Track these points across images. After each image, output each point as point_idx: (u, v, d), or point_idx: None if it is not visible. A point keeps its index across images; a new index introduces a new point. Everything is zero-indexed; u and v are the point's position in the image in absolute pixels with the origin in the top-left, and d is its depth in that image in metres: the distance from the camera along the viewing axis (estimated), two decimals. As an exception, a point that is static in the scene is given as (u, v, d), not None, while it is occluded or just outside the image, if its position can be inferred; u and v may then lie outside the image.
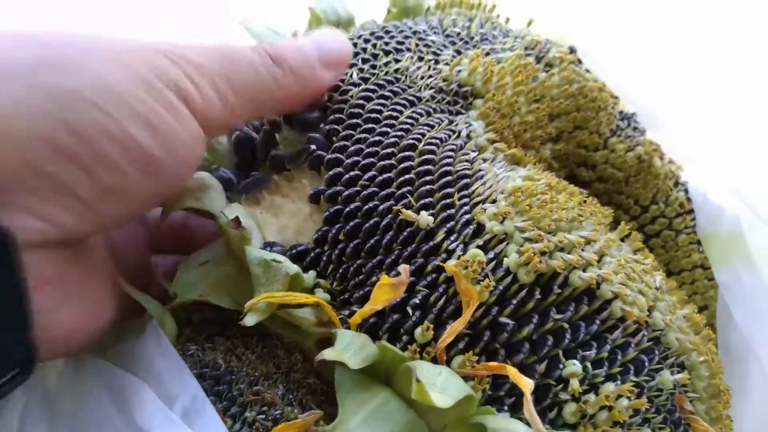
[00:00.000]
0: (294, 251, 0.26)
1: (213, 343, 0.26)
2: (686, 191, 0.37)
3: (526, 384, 0.21)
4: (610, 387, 0.23)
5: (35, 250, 0.20)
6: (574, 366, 0.23)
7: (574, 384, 0.23)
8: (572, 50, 0.39)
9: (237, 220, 0.25)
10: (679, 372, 0.25)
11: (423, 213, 0.25)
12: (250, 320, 0.23)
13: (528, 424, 0.22)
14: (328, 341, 0.25)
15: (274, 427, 0.22)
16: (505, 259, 0.24)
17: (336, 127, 0.29)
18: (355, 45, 0.33)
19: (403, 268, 0.23)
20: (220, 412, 0.23)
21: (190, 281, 0.27)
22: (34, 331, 0.20)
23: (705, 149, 0.41)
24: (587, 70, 0.39)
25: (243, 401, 0.24)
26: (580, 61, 0.39)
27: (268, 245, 0.27)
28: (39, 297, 0.20)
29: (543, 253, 0.24)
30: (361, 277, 0.25)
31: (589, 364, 0.24)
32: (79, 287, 0.23)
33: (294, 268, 0.25)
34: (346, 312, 0.25)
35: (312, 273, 0.26)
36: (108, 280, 0.25)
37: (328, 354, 0.22)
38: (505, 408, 0.23)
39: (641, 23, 0.45)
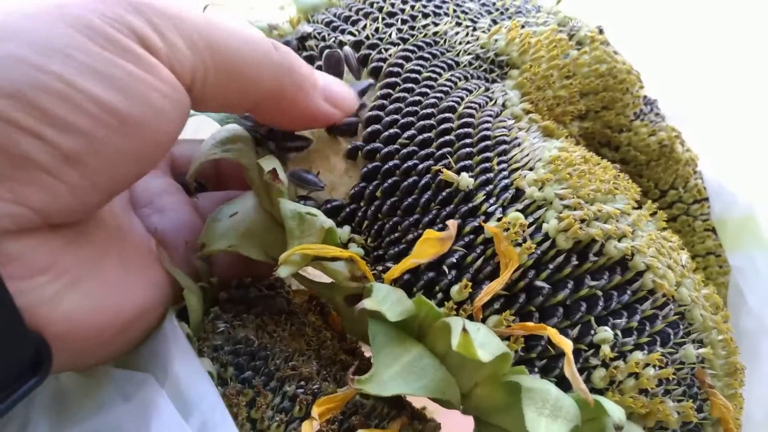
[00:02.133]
0: (329, 206, 0.26)
1: (242, 321, 0.26)
2: (702, 179, 0.38)
3: (567, 344, 0.21)
4: (638, 355, 0.24)
5: (16, 238, 0.18)
6: (605, 332, 0.24)
7: (606, 350, 0.23)
8: (601, 30, 0.39)
9: (274, 172, 0.25)
10: (701, 347, 0.26)
11: (464, 174, 0.25)
12: (283, 271, 0.23)
13: (560, 386, 0.23)
14: (357, 297, 0.25)
15: (314, 400, 0.22)
16: (545, 225, 0.24)
17: (374, 83, 0.28)
18: (392, 5, 0.33)
19: (452, 223, 0.23)
20: (259, 386, 0.23)
21: (219, 231, 0.27)
22: (28, 326, 0.18)
23: (714, 140, 0.42)
24: (615, 52, 0.39)
25: (281, 376, 0.24)
26: (608, 42, 0.39)
27: (302, 199, 0.27)
28: (31, 288, 0.19)
29: (582, 221, 0.25)
30: (396, 234, 0.25)
31: (619, 333, 0.24)
32: (94, 272, 0.21)
33: (329, 222, 0.24)
34: (380, 268, 0.25)
35: (347, 228, 0.25)
36: (141, 267, 0.24)
37: (367, 303, 0.22)
38: (536, 370, 0.24)
39: (650, 13, 0.45)
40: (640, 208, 0.30)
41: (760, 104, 0.42)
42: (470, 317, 0.23)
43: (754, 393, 0.32)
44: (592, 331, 0.24)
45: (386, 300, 0.22)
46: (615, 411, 0.22)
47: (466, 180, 0.25)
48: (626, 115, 0.37)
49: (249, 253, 0.27)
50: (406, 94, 0.28)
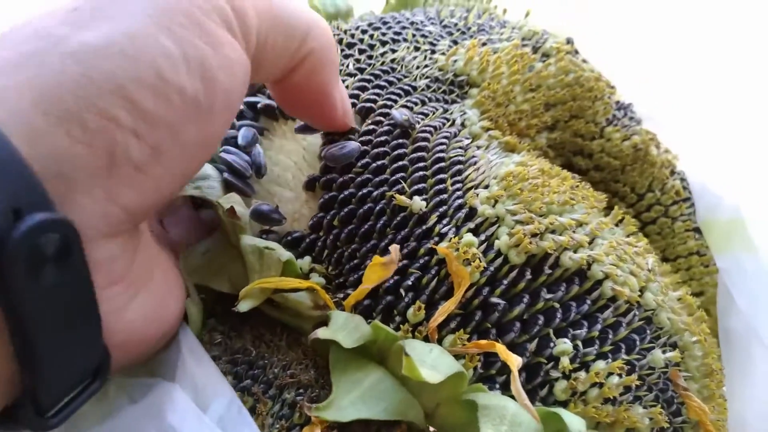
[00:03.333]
0: (289, 238, 0.27)
1: (238, 332, 0.27)
2: (682, 180, 0.37)
3: (514, 360, 0.21)
4: (600, 365, 0.24)
5: (102, 244, 0.18)
6: (564, 344, 0.24)
7: (565, 362, 0.23)
8: (569, 41, 0.40)
9: (232, 209, 0.26)
10: (670, 351, 0.26)
11: (416, 198, 0.26)
12: (244, 306, 0.24)
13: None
14: (325, 324, 0.26)
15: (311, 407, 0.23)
16: (496, 241, 0.25)
17: None
18: (352, 36, 0.34)
19: (394, 248, 0.24)
20: (258, 393, 0.24)
21: (193, 267, 0.28)
22: (103, 335, 0.19)
23: (700, 140, 0.42)
24: (584, 60, 0.39)
25: (280, 384, 0.24)
26: (576, 52, 0.39)
27: (264, 233, 0.27)
28: (108, 297, 0.19)
29: (534, 235, 0.25)
30: (355, 261, 0.26)
31: (579, 343, 0.24)
32: (148, 283, 0.21)
33: (286, 254, 0.25)
34: (341, 295, 0.25)
35: (308, 258, 0.26)
36: (168, 270, 0.24)
37: (321, 333, 0.22)
38: (497, 386, 0.24)
39: (638, 14, 0.45)
40: (609, 212, 0.30)
41: (746, 105, 0.42)
42: (426, 338, 0.24)
43: (747, 394, 0.31)
44: (552, 344, 0.24)
45: (343, 328, 0.23)
46: (574, 423, 0.22)
47: (418, 203, 0.26)
48: (597, 122, 0.37)
49: (219, 287, 0.28)
50: (362, 120, 0.29)
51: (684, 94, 0.44)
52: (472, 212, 0.26)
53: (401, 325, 0.24)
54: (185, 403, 0.22)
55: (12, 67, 0.17)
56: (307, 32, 0.24)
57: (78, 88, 0.17)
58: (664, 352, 0.26)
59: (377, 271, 0.23)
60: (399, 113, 0.28)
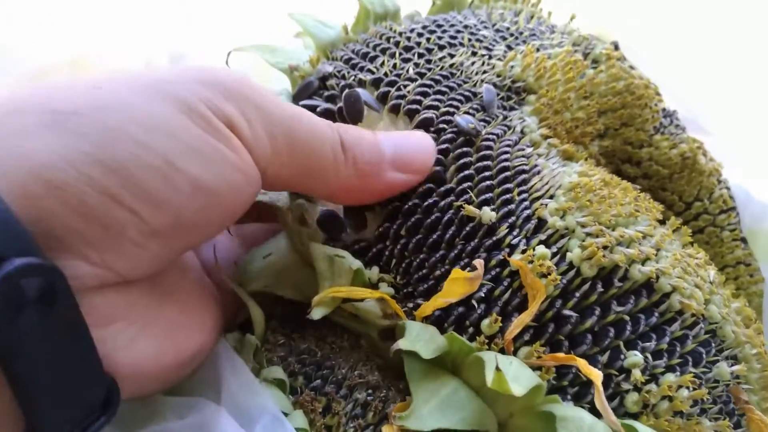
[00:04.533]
0: (356, 247, 0.27)
1: (301, 333, 0.27)
2: (728, 188, 0.38)
3: (597, 375, 0.22)
4: (670, 378, 0.24)
5: (99, 291, 0.19)
6: (635, 356, 0.24)
7: (636, 374, 0.24)
8: (616, 46, 0.40)
9: (302, 217, 0.26)
10: (735, 364, 0.26)
11: (485, 208, 0.26)
12: (317, 314, 0.24)
13: (593, 412, 0.23)
14: (390, 332, 0.26)
15: (384, 407, 0.23)
16: (568, 254, 0.25)
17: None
18: (408, 39, 0.34)
19: (479, 263, 0.24)
20: (332, 393, 0.24)
21: (254, 272, 0.28)
22: (105, 371, 0.20)
23: (744, 148, 0.42)
24: (631, 67, 0.39)
25: (350, 384, 0.25)
26: (624, 58, 0.39)
27: (329, 241, 0.28)
28: (109, 336, 0.20)
29: (605, 248, 0.25)
30: (424, 271, 0.26)
31: (649, 356, 0.25)
32: (159, 316, 0.22)
33: (356, 262, 0.25)
34: (411, 305, 0.26)
35: (375, 268, 0.26)
36: (198, 303, 0.25)
37: (402, 344, 0.22)
38: (569, 397, 0.24)
39: (682, 17, 0.45)
40: (664, 224, 0.31)
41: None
42: (502, 350, 0.24)
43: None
44: (622, 356, 0.24)
45: (419, 338, 0.23)
46: (649, 436, 0.22)
47: (488, 214, 0.26)
48: (646, 130, 0.37)
49: (283, 292, 0.28)
50: (423, 129, 0.29)
51: (721, 101, 0.44)
52: (542, 223, 0.26)
53: (475, 337, 0.24)
54: (230, 424, 0.23)
55: (24, 135, 0.18)
56: (325, 174, 0.24)
57: (83, 166, 0.18)
58: (729, 365, 0.26)
59: (461, 285, 0.23)
60: (464, 120, 0.28)
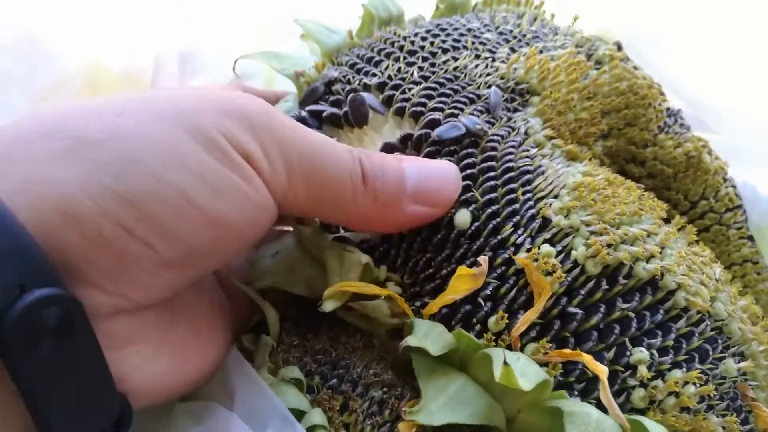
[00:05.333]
0: (364, 246, 0.27)
1: (315, 334, 0.28)
2: (734, 186, 0.38)
3: (602, 370, 0.22)
4: (677, 374, 0.24)
5: (113, 318, 0.20)
6: (641, 353, 0.24)
7: (643, 370, 0.24)
8: (619, 47, 0.40)
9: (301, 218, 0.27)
10: (741, 360, 0.26)
11: (463, 210, 0.26)
12: (329, 306, 0.25)
13: (600, 408, 0.23)
14: (397, 331, 0.27)
15: (399, 405, 0.24)
16: (573, 252, 0.25)
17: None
18: (412, 43, 0.34)
19: (483, 259, 0.24)
20: (348, 392, 0.24)
21: (263, 270, 0.29)
22: (119, 392, 0.20)
23: (750, 146, 0.42)
24: (635, 67, 0.39)
25: (365, 382, 0.25)
26: (627, 58, 0.39)
27: (338, 239, 0.28)
28: (124, 358, 0.20)
29: (609, 246, 0.25)
30: (430, 270, 0.26)
31: (655, 352, 0.25)
32: (172, 336, 0.23)
33: (365, 257, 0.26)
34: (418, 303, 0.26)
35: (383, 267, 0.27)
36: (210, 318, 0.25)
37: (410, 341, 0.23)
38: (575, 393, 0.24)
39: (685, 15, 0.46)
40: (668, 222, 0.31)
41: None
42: (509, 347, 0.24)
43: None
44: (628, 353, 0.24)
45: (427, 335, 0.24)
46: (657, 431, 0.22)
47: (464, 217, 0.26)
48: (650, 130, 0.37)
49: (292, 288, 0.28)
50: (429, 130, 0.29)
51: (726, 99, 0.44)
52: (546, 222, 0.26)
53: (482, 334, 0.24)
54: (242, 429, 0.23)
55: (49, 161, 0.19)
56: (343, 205, 0.24)
57: (101, 197, 0.19)
58: (735, 362, 0.26)
59: (467, 281, 0.24)
60: (470, 121, 0.29)
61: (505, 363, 0.21)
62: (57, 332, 0.18)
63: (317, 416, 0.24)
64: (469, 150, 0.28)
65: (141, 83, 0.39)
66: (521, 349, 0.24)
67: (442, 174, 0.26)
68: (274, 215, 0.23)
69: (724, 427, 0.25)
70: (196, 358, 0.24)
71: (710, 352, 0.26)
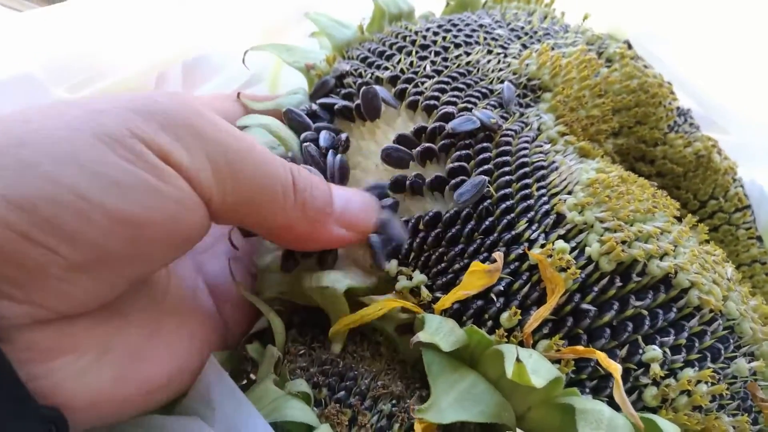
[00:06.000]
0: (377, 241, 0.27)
1: (321, 342, 0.27)
2: (743, 187, 0.38)
3: (616, 368, 0.22)
4: (689, 372, 0.24)
5: (33, 329, 0.19)
6: (654, 351, 0.24)
7: (655, 368, 0.24)
8: (629, 45, 0.40)
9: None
10: (752, 360, 0.26)
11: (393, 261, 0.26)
12: (336, 348, 0.25)
13: (611, 406, 0.23)
14: (407, 327, 0.26)
15: (409, 418, 0.23)
16: (587, 248, 0.25)
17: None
18: (424, 38, 0.34)
19: (498, 255, 0.24)
20: (357, 405, 0.24)
21: (271, 280, 0.28)
22: (45, 403, 0.19)
23: (758, 144, 0.42)
24: (645, 65, 0.39)
25: (374, 395, 0.24)
26: (637, 56, 0.39)
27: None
28: (54, 369, 0.19)
29: (623, 243, 0.25)
30: (443, 265, 0.26)
31: (667, 350, 0.25)
32: (122, 343, 0.22)
33: (343, 284, 0.25)
34: (430, 298, 0.26)
35: (394, 262, 0.26)
36: (179, 323, 0.24)
37: (422, 336, 0.23)
38: (587, 391, 0.24)
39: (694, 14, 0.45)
40: (680, 221, 0.31)
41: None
42: (521, 343, 0.24)
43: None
44: (641, 350, 0.24)
45: (439, 331, 0.23)
46: (670, 430, 0.22)
47: None
48: (660, 129, 0.37)
49: (300, 299, 0.28)
50: (443, 124, 0.29)
51: (737, 99, 0.44)
52: (560, 218, 0.26)
53: (494, 330, 0.24)
54: None
55: None
56: (272, 211, 0.23)
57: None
58: (747, 361, 0.26)
59: (481, 277, 0.23)
60: (484, 115, 0.28)
61: (518, 360, 0.21)
62: None
63: None
64: (485, 144, 0.28)
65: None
66: (533, 346, 0.24)
67: (365, 202, 0.27)
68: (204, 211, 0.22)
69: (734, 427, 0.25)
70: (150, 367, 0.23)
71: (722, 352, 0.26)
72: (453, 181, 0.27)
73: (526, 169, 0.28)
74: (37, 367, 0.19)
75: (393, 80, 0.31)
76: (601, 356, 0.22)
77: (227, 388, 0.24)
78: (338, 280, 0.26)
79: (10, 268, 0.18)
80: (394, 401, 0.25)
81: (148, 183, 0.20)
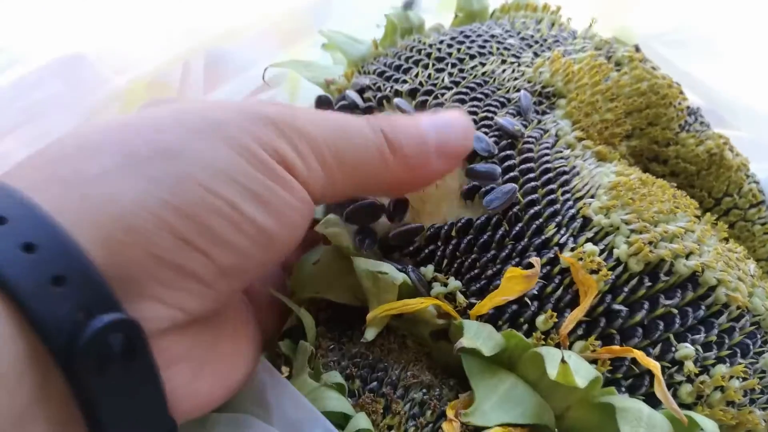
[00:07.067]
0: (410, 249, 0.28)
1: (349, 337, 0.28)
2: (757, 182, 0.38)
3: (655, 365, 0.22)
4: (722, 368, 0.25)
5: (166, 334, 0.20)
6: (686, 348, 0.25)
7: (690, 365, 0.24)
8: (637, 48, 0.41)
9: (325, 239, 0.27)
10: (781, 354, 0.27)
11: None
12: (370, 334, 0.25)
13: (648, 404, 0.24)
14: (442, 332, 0.27)
15: (440, 405, 0.24)
16: (615, 250, 0.26)
17: None
18: (439, 50, 0.35)
19: (536, 260, 0.24)
20: (390, 394, 0.25)
21: (305, 279, 0.29)
22: (169, 410, 0.20)
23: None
24: (653, 67, 0.40)
25: (405, 384, 0.25)
26: (646, 59, 0.40)
27: (359, 233, 0.28)
28: (173, 375, 0.20)
29: (650, 243, 0.26)
30: (476, 271, 0.27)
31: (699, 347, 0.25)
32: (213, 352, 0.23)
33: (400, 276, 0.26)
34: (465, 304, 0.26)
35: (430, 267, 0.27)
36: (244, 332, 0.25)
37: (465, 342, 0.23)
38: (623, 389, 0.25)
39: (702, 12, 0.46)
40: (700, 220, 0.31)
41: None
42: (557, 345, 0.24)
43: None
44: (673, 348, 0.25)
45: (478, 336, 0.24)
46: (708, 425, 0.23)
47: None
48: (672, 129, 0.38)
49: (336, 297, 0.28)
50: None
51: (742, 96, 0.45)
52: (587, 222, 0.27)
53: (530, 333, 0.25)
54: None
55: (104, 179, 0.19)
56: (378, 178, 0.24)
57: (159, 210, 0.19)
58: (776, 355, 0.26)
59: (519, 282, 0.24)
60: (507, 122, 0.29)
61: (563, 361, 0.21)
62: (123, 357, 0.18)
63: (362, 420, 0.24)
64: (508, 152, 0.29)
65: (168, 92, 0.39)
66: (570, 347, 0.25)
67: (458, 123, 0.27)
68: (312, 215, 0.23)
69: (766, 420, 0.26)
70: (232, 373, 0.24)
71: (750, 347, 0.26)
72: (483, 189, 0.27)
73: (550, 175, 0.28)
74: (162, 374, 0.20)
75: (412, 93, 0.32)
76: (639, 354, 0.23)
77: (283, 387, 0.25)
78: (396, 270, 0.26)
79: (168, 271, 0.19)
80: (424, 390, 0.25)
81: (278, 193, 0.21)
